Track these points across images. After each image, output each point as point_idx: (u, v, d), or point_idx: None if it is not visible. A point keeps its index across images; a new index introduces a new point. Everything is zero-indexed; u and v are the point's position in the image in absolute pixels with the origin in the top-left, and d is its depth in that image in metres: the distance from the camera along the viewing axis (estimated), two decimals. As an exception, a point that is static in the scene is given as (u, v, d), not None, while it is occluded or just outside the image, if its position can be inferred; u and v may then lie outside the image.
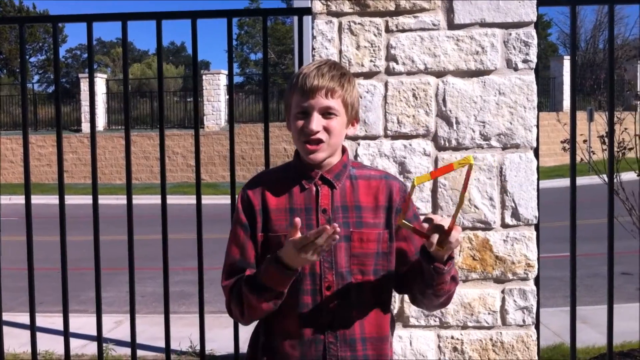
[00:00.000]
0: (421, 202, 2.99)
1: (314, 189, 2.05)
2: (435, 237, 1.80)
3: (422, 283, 2.00)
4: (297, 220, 1.83)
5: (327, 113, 1.99)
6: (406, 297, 2.99)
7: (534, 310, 3.02)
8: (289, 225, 2.01)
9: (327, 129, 1.99)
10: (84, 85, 26.62)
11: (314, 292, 2.00)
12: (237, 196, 2.16)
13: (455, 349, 3.02)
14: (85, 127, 26.60)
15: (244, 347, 4.00)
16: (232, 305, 2.04)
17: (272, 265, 1.89)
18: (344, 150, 2.12)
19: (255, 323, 2.14)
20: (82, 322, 6.47)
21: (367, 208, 2.05)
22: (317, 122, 1.97)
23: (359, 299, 2.02)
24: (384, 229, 2.05)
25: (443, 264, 1.90)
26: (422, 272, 1.96)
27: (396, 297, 2.97)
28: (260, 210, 2.06)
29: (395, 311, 3.01)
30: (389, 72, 3.02)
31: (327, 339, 2.00)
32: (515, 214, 3.00)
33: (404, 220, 1.85)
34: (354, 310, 2.02)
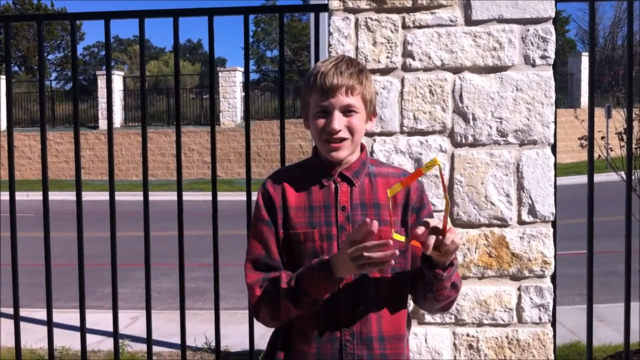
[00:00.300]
0: (437, 199, 2.98)
1: (333, 186, 2.05)
2: (431, 240, 1.79)
3: (423, 287, 2.00)
4: (370, 222, 1.75)
5: (347, 111, 1.99)
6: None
7: (551, 308, 3.00)
8: (307, 223, 2.02)
9: (349, 127, 1.99)
10: (102, 82, 26.80)
11: (332, 290, 2.00)
12: (254, 193, 2.16)
13: (470, 347, 3.01)
14: (103, 123, 26.78)
15: (259, 344, 4.01)
16: (262, 308, 2.02)
17: (319, 269, 1.89)
18: (362, 147, 2.11)
19: None
20: (98, 318, 6.52)
21: (386, 206, 2.03)
22: (338, 120, 1.97)
23: (376, 297, 2.02)
24: (400, 226, 2.05)
25: (443, 270, 1.90)
26: (424, 276, 1.96)
27: (412, 294, 2.97)
28: (281, 207, 2.06)
29: (410, 308, 3.00)
30: (406, 68, 3.01)
31: (344, 336, 1.99)
32: (532, 211, 2.98)
33: (395, 232, 1.84)
34: (371, 308, 2.01)
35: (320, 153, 2.07)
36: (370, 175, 2.08)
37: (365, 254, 1.76)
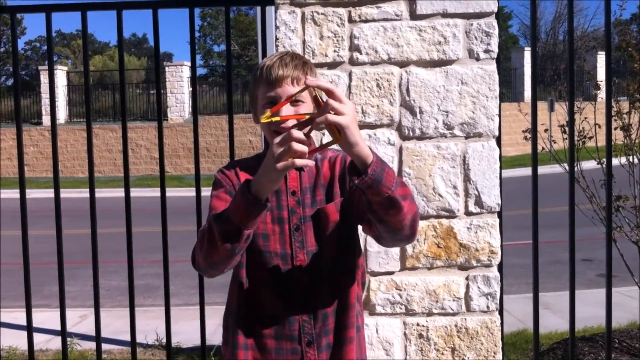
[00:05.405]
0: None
1: None
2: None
3: (371, 213, 1.91)
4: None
5: (294, 101, 2.01)
6: (372, 285, 3.02)
7: (498, 297, 3.07)
8: None
9: None
10: (44, 78, 26.20)
11: (287, 272, 2.03)
12: (203, 189, 2.15)
13: (420, 336, 3.05)
14: (46, 119, 26.22)
15: (211, 339, 4.00)
16: (196, 245, 1.97)
17: (239, 192, 1.83)
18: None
19: (225, 308, 2.15)
20: (46, 317, 6.41)
21: (327, 184, 2.11)
22: (286, 109, 2.00)
23: (330, 274, 2.06)
24: (339, 197, 2.10)
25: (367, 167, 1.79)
26: (368, 202, 1.88)
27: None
28: (238, 184, 2.08)
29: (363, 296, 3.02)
30: (353, 62, 3.03)
31: (301, 317, 2.04)
32: (478, 202, 3.03)
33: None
34: (325, 285, 2.05)
35: None
36: (316, 160, 2.14)
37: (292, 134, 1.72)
